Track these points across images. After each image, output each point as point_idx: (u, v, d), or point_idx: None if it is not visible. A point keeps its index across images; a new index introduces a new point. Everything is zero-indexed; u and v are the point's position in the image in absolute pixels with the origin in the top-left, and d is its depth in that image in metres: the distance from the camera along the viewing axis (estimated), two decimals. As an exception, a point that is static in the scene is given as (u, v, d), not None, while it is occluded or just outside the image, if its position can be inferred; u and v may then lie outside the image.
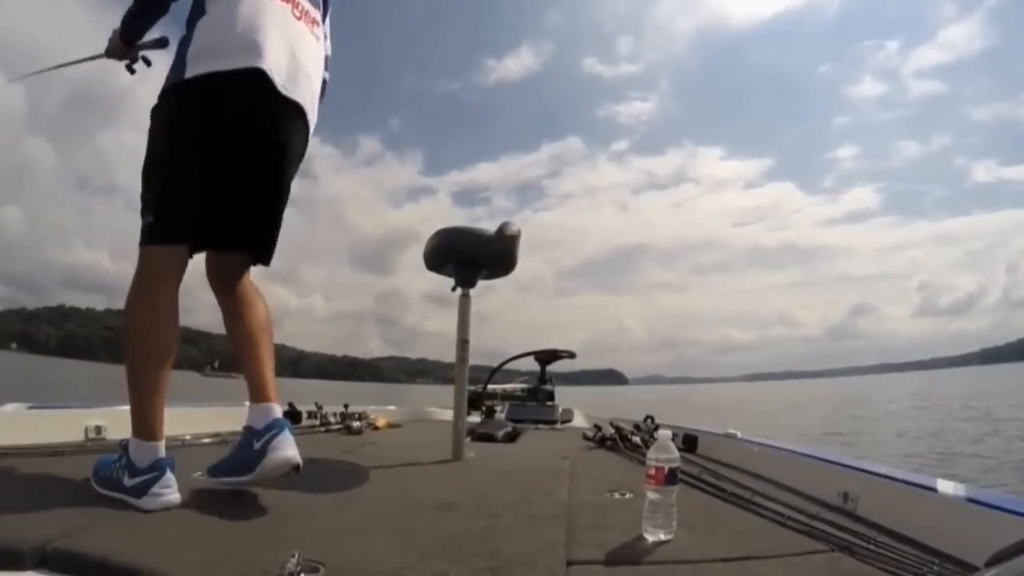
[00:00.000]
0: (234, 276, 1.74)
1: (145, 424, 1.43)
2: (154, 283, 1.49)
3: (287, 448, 1.51)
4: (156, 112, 1.57)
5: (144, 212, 1.51)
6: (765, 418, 20.49)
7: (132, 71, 1.92)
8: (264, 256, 1.76)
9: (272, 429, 1.53)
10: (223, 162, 1.58)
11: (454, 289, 2.37)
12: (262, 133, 1.64)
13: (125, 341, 1.45)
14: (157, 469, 1.38)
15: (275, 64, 1.59)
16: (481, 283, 2.45)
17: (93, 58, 1.93)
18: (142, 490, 1.35)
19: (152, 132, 1.56)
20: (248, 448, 1.53)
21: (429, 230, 2.44)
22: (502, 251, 2.37)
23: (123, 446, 1.45)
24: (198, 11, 1.58)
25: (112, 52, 1.85)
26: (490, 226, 2.38)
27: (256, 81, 1.56)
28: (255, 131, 1.62)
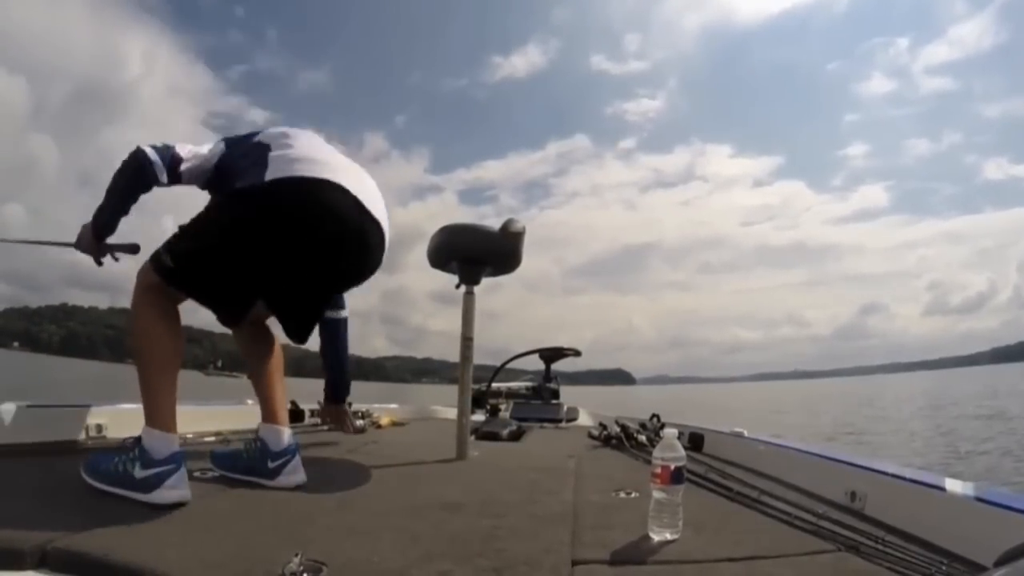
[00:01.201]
0: (255, 325, 1.88)
1: (161, 417, 1.44)
2: (160, 294, 1.52)
3: (299, 473, 1.70)
4: (228, 202, 1.63)
5: (167, 250, 1.53)
6: (775, 418, 20.48)
7: (100, 263, 1.92)
8: (302, 335, 1.83)
9: (287, 454, 1.69)
10: (291, 261, 1.63)
11: (458, 286, 2.37)
12: (347, 241, 1.68)
13: (138, 345, 1.47)
14: (173, 462, 1.38)
15: (354, 187, 1.65)
16: (488, 281, 2.45)
17: (62, 244, 1.94)
18: (156, 483, 1.35)
19: (215, 212, 1.63)
20: (262, 462, 1.69)
21: (435, 228, 2.44)
22: (506, 248, 2.37)
23: (133, 440, 1.44)
24: (263, 150, 1.66)
25: (82, 246, 1.89)
26: (497, 224, 2.38)
27: (344, 193, 1.62)
28: (342, 239, 1.66)
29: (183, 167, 1.70)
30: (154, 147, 1.67)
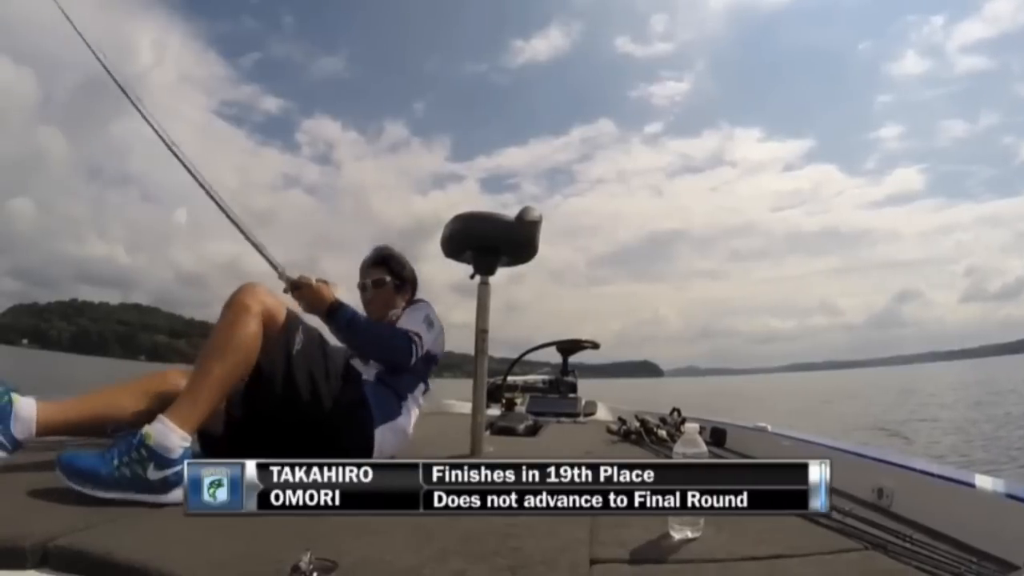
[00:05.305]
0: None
1: (198, 420, 1.50)
2: (254, 316, 1.68)
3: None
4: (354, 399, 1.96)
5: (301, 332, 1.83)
6: (812, 410, 20.30)
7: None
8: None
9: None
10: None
11: (472, 277, 2.38)
12: None
13: (231, 345, 1.62)
14: (184, 459, 1.39)
15: None
16: (510, 272, 2.45)
17: (283, 277, 2.06)
18: (175, 482, 1.37)
19: (326, 361, 1.91)
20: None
21: (456, 218, 2.44)
22: (522, 237, 2.36)
23: (123, 436, 1.42)
24: (397, 402, 2.09)
25: (304, 302, 2.04)
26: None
27: None
28: None
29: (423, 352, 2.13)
30: (415, 347, 2.07)
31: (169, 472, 1.38)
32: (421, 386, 2.20)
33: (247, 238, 2.06)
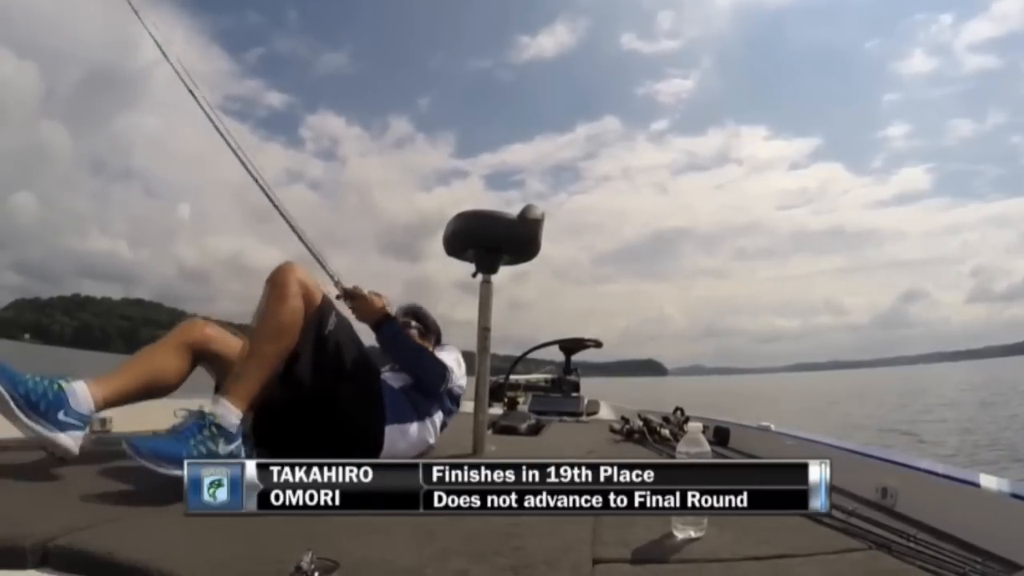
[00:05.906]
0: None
1: (248, 397, 1.63)
2: (295, 294, 1.77)
3: None
4: (373, 388, 2.04)
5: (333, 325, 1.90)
6: (819, 410, 20.27)
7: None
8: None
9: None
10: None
11: (475, 275, 2.38)
12: None
13: (273, 332, 1.71)
14: (242, 434, 1.57)
15: None
16: (514, 270, 2.46)
17: (338, 286, 2.16)
18: (236, 454, 1.54)
19: (352, 348, 1.98)
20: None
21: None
22: (525, 235, 2.36)
23: (202, 416, 1.55)
24: (412, 412, 2.13)
25: (360, 313, 2.17)
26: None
27: None
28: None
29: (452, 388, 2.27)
30: (448, 376, 2.20)
31: (233, 446, 1.55)
32: (440, 413, 2.27)
33: (306, 246, 2.15)
